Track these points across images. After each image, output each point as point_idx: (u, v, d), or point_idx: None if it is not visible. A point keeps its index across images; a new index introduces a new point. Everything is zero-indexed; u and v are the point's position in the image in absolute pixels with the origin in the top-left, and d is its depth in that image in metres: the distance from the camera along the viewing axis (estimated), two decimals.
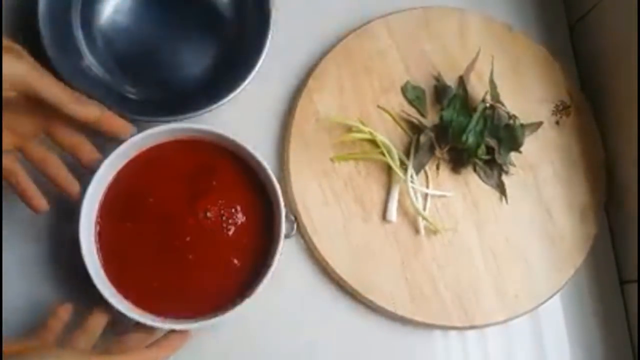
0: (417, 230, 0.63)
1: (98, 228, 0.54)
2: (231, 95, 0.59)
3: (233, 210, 0.56)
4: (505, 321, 0.62)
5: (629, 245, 0.66)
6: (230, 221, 0.55)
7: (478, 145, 0.63)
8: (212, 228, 0.55)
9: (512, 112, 0.65)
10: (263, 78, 0.60)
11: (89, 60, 0.61)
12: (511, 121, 0.65)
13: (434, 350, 0.62)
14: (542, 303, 0.63)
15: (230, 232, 0.55)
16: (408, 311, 0.60)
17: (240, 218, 0.56)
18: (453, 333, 0.62)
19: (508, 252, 0.64)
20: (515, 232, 0.65)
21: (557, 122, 0.69)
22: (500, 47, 0.70)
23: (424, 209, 0.63)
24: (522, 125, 0.65)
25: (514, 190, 0.66)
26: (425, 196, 0.64)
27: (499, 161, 0.64)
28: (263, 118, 0.65)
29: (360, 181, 0.63)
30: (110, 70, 0.62)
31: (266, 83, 0.63)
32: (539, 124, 0.67)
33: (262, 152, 0.57)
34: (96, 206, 0.54)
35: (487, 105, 0.64)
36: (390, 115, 0.65)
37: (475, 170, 0.65)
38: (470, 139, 0.63)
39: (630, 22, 0.64)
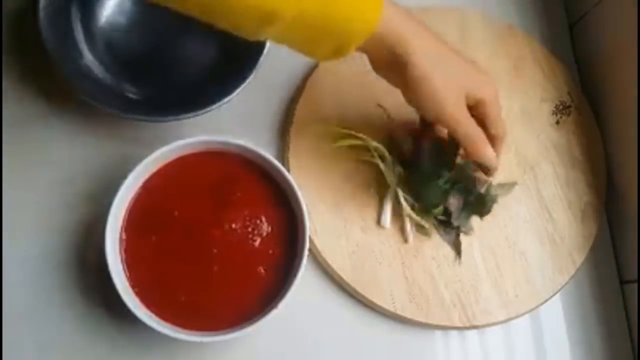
0: (416, 231, 0.62)
1: (124, 242, 0.54)
2: (231, 96, 0.59)
3: (258, 221, 0.56)
4: (505, 321, 0.62)
5: (629, 245, 0.66)
6: (255, 232, 0.56)
7: (436, 205, 0.61)
8: (238, 239, 0.55)
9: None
10: (263, 78, 0.60)
11: (89, 60, 0.61)
12: (484, 190, 0.62)
13: (434, 350, 0.62)
14: (542, 303, 0.63)
15: (256, 243, 0.55)
16: (408, 311, 0.60)
17: (266, 229, 0.56)
18: (453, 333, 0.62)
19: (508, 252, 0.64)
20: (515, 232, 0.65)
21: (558, 122, 0.69)
22: (500, 47, 0.70)
23: None
24: (496, 188, 0.63)
25: (514, 190, 0.66)
26: None
27: (455, 224, 0.62)
28: (262, 118, 0.65)
29: (359, 183, 0.63)
30: (110, 70, 0.62)
31: (266, 84, 0.63)
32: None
33: None
34: (121, 220, 0.54)
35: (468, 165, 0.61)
36: (390, 116, 0.65)
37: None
38: (432, 195, 0.60)
39: (630, 22, 0.64)
